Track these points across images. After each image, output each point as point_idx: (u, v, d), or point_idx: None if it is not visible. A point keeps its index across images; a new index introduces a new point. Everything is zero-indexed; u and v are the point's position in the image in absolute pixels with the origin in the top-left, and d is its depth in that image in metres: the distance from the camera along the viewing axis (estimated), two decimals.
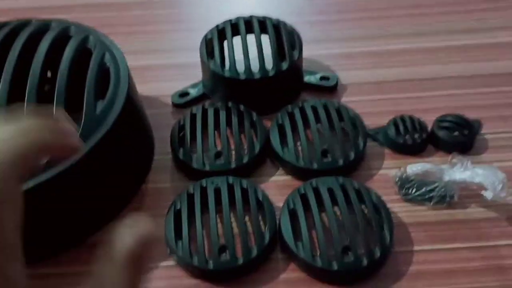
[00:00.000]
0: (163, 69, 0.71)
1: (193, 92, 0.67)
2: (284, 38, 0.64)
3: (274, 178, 0.58)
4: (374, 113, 0.64)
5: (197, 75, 0.67)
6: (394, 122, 0.60)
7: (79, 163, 0.46)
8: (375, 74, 0.69)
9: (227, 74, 0.62)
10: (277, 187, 0.57)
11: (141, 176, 0.58)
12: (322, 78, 0.67)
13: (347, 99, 0.66)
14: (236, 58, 0.62)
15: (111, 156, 0.53)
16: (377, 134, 0.61)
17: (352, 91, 0.67)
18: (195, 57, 0.65)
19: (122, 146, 0.54)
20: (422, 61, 0.70)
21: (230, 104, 0.62)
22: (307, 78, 0.67)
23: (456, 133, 0.59)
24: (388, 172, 0.57)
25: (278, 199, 0.55)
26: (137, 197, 0.56)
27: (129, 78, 0.55)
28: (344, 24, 0.76)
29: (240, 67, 0.62)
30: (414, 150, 0.59)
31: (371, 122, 0.62)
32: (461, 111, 0.61)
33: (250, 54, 0.62)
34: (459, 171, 0.53)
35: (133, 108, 0.56)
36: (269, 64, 0.62)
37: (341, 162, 0.56)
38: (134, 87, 0.58)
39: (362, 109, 0.63)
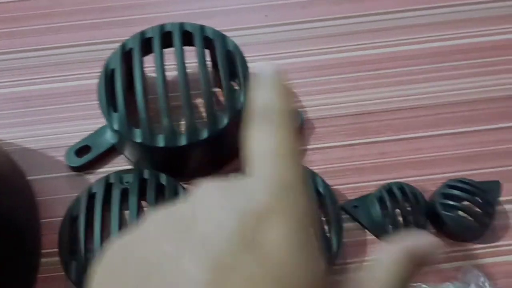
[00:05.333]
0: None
1: (96, 146, 0.46)
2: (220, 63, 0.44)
3: None
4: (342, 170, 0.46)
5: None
6: (380, 197, 0.43)
7: None
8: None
9: (137, 138, 0.42)
10: None
11: None
12: None
13: (313, 146, 0.47)
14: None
15: None
16: (355, 208, 0.44)
17: (320, 132, 0.48)
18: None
19: None
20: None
21: (147, 174, 0.43)
22: None
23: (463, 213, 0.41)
24: None
25: None
26: None
27: None
28: None
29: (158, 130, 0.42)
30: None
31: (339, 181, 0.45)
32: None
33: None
34: None
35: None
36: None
37: None
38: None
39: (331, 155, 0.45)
